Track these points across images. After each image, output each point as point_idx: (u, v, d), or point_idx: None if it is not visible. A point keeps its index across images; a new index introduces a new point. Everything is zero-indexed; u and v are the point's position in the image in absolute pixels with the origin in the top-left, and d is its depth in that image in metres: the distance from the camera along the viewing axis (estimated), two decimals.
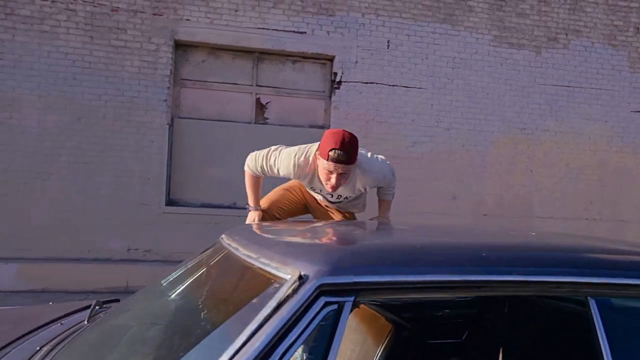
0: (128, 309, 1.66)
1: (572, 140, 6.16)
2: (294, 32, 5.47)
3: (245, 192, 2.42)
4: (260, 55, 5.56)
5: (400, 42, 5.72)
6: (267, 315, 0.94)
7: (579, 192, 6.16)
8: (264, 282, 1.05)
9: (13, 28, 4.88)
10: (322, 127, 5.72)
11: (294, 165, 2.20)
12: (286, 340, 0.92)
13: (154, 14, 5.17)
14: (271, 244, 1.30)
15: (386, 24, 5.69)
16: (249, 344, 0.91)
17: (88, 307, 1.77)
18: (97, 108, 5.06)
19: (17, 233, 4.81)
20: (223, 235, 1.61)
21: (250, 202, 2.38)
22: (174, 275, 1.68)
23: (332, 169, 2.05)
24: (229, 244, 1.43)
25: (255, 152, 2.31)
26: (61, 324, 1.68)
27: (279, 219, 2.50)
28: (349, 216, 2.66)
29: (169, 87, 5.21)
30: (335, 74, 5.59)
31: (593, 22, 6.22)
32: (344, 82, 5.60)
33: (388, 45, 5.70)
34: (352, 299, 0.97)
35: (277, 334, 0.91)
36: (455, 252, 1.19)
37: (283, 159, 2.22)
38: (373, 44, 5.66)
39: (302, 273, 0.97)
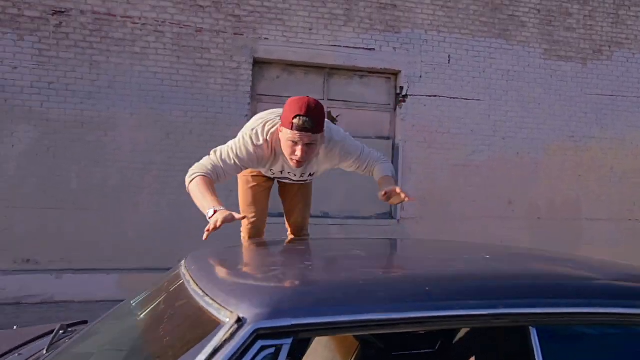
0: (91, 334, 1.59)
1: (615, 146, 6.57)
2: (363, 48, 5.79)
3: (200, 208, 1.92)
4: (330, 71, 5.87)
5: (460, 57, 6.07)
6: None
7: (623, 195, 6.58)
8: (206, 323, 1.05)
9: (107, 50, 5.12)
10: (388, 138, 6.06)
11: (255, 151, 1.92)
12: None
13: (235, 34, 5.45)
14: (219, 281, 1.26)
15: (447, 40, 6.03)
16: None
17: (52, 331, 1.66)
18: (184, 124, 5.33)
19: (115, 245, 5.07)
20: (183, 261, 1.55)
21: (209, 204, 1.80)
22: (142, 296, 1.63)
23: (297, 138, 1.79)
24: (184, 274, 1.39)
25: (195, 164, 1.97)
26: (19, 354, 1.55)
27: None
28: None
29: (249, 103, 5.50)
30: (402, 87, 5.92)
31: (634, 35, 6.63)
32: (410, 95, 5.93)
33: (449, 60, 6.04)
34: (290, 340, 0.98)
35: None
36: (397, 288, 1.16)
37: (240, 154, 1.92)
38: (435, 59, 6.00)
39: (241, 316, 0.97)
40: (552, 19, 6.37)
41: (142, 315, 1.49)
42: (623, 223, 6.54)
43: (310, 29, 5.64)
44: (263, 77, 5.72)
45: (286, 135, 1.83)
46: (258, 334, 0.96)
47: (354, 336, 1.82)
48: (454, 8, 6.05)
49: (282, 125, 1.85)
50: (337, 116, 5.93)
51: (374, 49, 5.82)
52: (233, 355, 0.93)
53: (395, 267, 1.54)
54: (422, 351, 2.04)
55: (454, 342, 2.00)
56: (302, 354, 1.91)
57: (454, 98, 6.06)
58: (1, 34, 4.89)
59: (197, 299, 1.16)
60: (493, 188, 6.18)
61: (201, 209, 1.83)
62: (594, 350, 1.25)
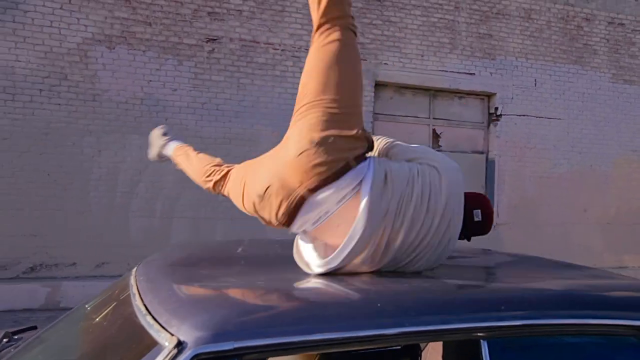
0: (41, 341, 1.51)
1: None
2: (465, 73, 6.48)
3: None
4: (435, 93, 6.53)
5: (544, 81, 6.83)
6: None
7: None
8: (147, 345, 0.98)
9: (252, 74, 5.65)
10: (482, 153, 6.76)
11: None
12: None
13: (361, 59, 6.04)
14: (163, 297, 1.15)
15: (533, 65, 6.78)
16: None
17: None
18: None
19: None
20: (135, 269, 1.49)
21: None
22: (97, 300, 1.56)
23: None
24: (132, 285, 1.32)
25: None
26: None
27: None
28: None
29: (371, 122, 6.10)
30: (497, 108, 6.64)
31: None
32: (503, 115, 6.65)
33: (535, 84, 6.79)
34: None
35: None
36: (348, 306, 1.11)
37: None
38: (524, 83, 6.74)
39: (181, 339, 0.92)
40: (619, 47, 7.22)
41: (90, 323, 1.40)
42: None
43: (422, 56, 6.29)
44: (379, 97, 6.33)
45: None
46: (199, 359, 0.90)
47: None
48: (539, 37, 6.82)
49: None
50: (440, 133, 6.59)
51: (474, 74, 6.52)
52: None
53: (347, 283, 1.37)
54: (386, 349, 1.98)
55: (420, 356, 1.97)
56: None
57: (539, 117, 6.81)
58: (164, 59, 5.36)
59: (140, 317, 1.09)
60: (571, 197, 6.95)
61: None
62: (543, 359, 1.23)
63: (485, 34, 6.58)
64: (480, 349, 1.10)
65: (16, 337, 1.62)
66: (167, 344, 0.93)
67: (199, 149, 5.42)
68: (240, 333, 0.94)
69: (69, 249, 5.00)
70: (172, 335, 0.93)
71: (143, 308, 1.11)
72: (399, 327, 1.04)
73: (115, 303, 1.39)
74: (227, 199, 5.67)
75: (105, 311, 1.40)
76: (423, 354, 2.00)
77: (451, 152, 6.62)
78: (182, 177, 5.43)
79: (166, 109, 5.39)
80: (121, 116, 5.26)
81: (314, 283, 1.34)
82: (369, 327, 1.03)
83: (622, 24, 7.24)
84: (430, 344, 1.82)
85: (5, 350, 1.52)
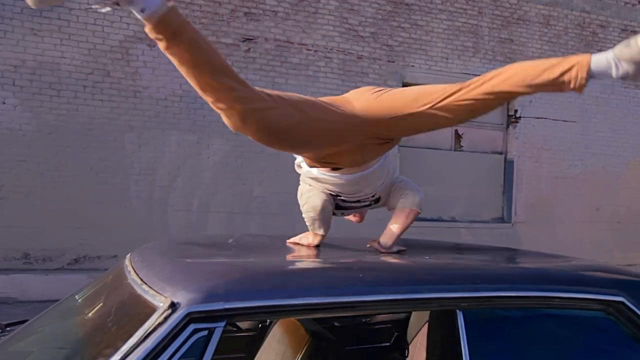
0: (31, 331, 1.57)
1: None
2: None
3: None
4: None
5: None
6: (134, 344, 0.95)
7: None
8: (143, 310, 1.05)
9: (286, 73, 5.81)
10: (501, 153, 6.99)
11: None
12: None
13: (389, 61, 6.24)
14: (157, 269, 1.24)
15: None
16: None
17: None
18: None
19: None
20: (129, 255, 1.56)
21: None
22: (87, 290, 1.62)
23: None
24: (127, 265, 1.39)
25: None
26: None
27: None
28: None
29: None
30: (516, 110, 6.87)
31: None
32: (522, 117, 6.89)
33: None
34: (223, 324, 1.00)
35: None
36: (330, 274, 1.18)
37: None
38: None
39: (174, 301, 0.98)
40: None
41: (84, 309, 1.47)
42: None
43: (447, 59, 6.51)
44: None
45: None
46: (191, 318, 0.97)
47: (305, 330, 1.83)
48: (556, 43, 7.07)
49: None
50: (462, 134, 6.81)
51: None
52: (165, 338, 0.94)
53: (331, 256, 1.51)
54: (375, 345, 2.04)
55: (408, 336, 2.05)
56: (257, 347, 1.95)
57: (556, 120, 7.06)
58: None
59: (135, 287, 1.17)
60: (584, 197, 7.21)
61: None
62: (516, 330, 1.32)
63: (507, 39, 6.81)
64: (457, 318, 1.17)
65: (8, 329, 1.67)
66: (161, 304, 1.00)
67: (236, 145, 5.58)
68: (229, 295, 1.01)
69: (110, 241, 5.12)
70: (166, 297, 1.00)
71: (138, 280, 1.19)
72: (379, 294, 1.10)
73: (108, 287, 1.47)
74: (261, 196, 5.84)
75: (100, 293, 1.48)
76: (410, 349, 2.08)
77: (472, 152, 6.85)
78: (219, 173, 5.60)
79: (203, 107, 5.52)
80: (161, 113, 5.40)
81: (298, 258, 1.49)
82: (348, 293, 1.09)
83: (635, 31, 7.51)
84: (417, 339, 1.93)
85: None
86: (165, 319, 0.97)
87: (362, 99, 1.58)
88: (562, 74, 1.39)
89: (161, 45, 1.29)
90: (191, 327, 0.97)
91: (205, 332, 0.98)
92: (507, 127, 7.00)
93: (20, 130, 4.95)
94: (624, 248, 7.42)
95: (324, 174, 1.68)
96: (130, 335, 0.98)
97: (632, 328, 1.35)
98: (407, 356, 2.01)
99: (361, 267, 1.27)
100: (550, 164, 7.01)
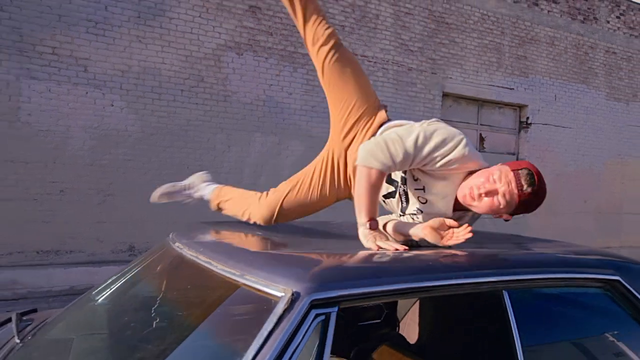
0: (71, 321, 1.63)
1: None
2: (507, 88, 7.78)
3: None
4: (482, 103, 7.78)
5: (561, 96, 8.35)
6: (269, 331, 1.05)
7: None
8: (259, 302, 1.13)
9: None
10: (513, 154, 8.15)
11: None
12: (288, 351, 1.04)
13: (432, 73, 7.11)
14: (259, 261, 1.31)
15: (554, 83, 8.26)
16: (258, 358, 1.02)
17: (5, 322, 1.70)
18: None
19: None
20: (177, 244, 1.59)
21: (368, 215, 1.52)
22: (115, 282, 1.68)
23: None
24: (195, 257, 1.43)
25: (375, 140, 1.55)
26: None
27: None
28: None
29: None
30: (528, 117, 8.03)
31: None
32: (533, 123, 8.07)
33: (555, 98, 8.28)
34: (336, 309, 1.12)
35: (280, 347, 1.03)
36: (410, 264, 1.35)
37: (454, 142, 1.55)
38: (547, 97, 8.20)
39: (296, 290, 1.09)
40: (612, 71, 8.94)
41: (142, 300, 1.53)
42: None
43: (477, 72, 7.49)
44: (442, 105, 7.45)
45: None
46: (312, 304, 1.09)
47: None
48: (558, 60, 8.30)
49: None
50: (485, 137, 7.86)
51: (513, 89, 7.84)
52: (292, 324, 1.05)
53: (408, 250, 1.60)
54: (371, 322, 2.21)
55: (397, 313, 2.24)
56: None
57: (556, 126, 8.33)
58: (282, 66, 6.04)
59: (235, 277, 1.22)
60: (577, 191, 8.58)
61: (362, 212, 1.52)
62: (543, 305, 1.56)
63: (522, 56, 7.93)
64: (503, 297, 1.39)
65: (24, 317, 1.76)
66: (283, 294, 1.08)
67: (310, 146, 6.25)
68: (340, 284, 1.14)
69: None
70: (287, 288, 1.09)
71: (236, 271, 1.23)
72: (449, 279, 1.29)
73: (171, 277, 1.57)
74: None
75: (161, 283, 1.57)
76: (401, 325, 2.25)
77: (491, 153, 7.93)
78: (295, 171, 6.19)
79: (283, 111, 6.09)
80: (247, 116, 5.89)
81: (373, 251, 1.60)
82: (426, 279, 1.27)
83: (615, 53, 8.96)
84: (409, 315, 2.15)
85: (27, 328, 1.64)
86: (290, 307, 1.07)
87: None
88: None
89: None
90: (313, 312, 1.09)
91: (323, 317, 1.10)
92: (519, 131, 8.16)
93: (127, 131, 5.26)
94: (604, 234, 8.91)
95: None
96: (255, 326, 1.08)
97: (626, 302, 1.61)
98: (398, 331, 2.26)
99: (430, 258, 1.45)
100: (552, 163, 8.27)
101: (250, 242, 1.69)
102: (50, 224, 4.95)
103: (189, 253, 1.47)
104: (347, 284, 1.15)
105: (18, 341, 1.51)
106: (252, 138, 5.93)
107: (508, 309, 1.38)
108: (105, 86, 5.14)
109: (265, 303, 1.11)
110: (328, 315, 1.10)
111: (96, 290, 1.75)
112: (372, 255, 1.40)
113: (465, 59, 7.39)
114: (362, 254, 1.43)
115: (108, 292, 1.70)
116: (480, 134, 7.82)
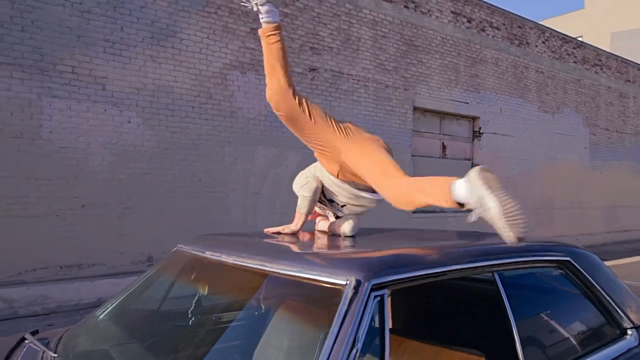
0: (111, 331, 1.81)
1: (568, 164, 11.05)
2: (463, 102, 8.90)
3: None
4: (443, 115, 8.82)
5: (505, 109, 9.67)
6: (345, 312, 1.25)
7: (576, 193, 11.09)
8: (324, 290, 1.34)
9: (339, 98, 7.15)
10: (469, 160, 9.29)
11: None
12: (361, 327, 1.25)
13: (405, 89, 7.99)
14: (315, 259, 1.58)
15: (500, 98, 9.56)
16: (337, 341, 1.21)
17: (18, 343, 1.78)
18: None
19: None
20: (208, 252, 1.78)
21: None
22: (128, 294, 1.92)
23: None
24: (236, 260, 1.62)
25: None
26: None
27: None
28: None
29: (410, 137, 8.09)
30: (480, 127, 9.22)
31: (577, 100, 11.22)
32: (484, 133, 9.27)
33: (500, 111, 9.58)
34: (386, 291, 1.35)
35: (356, 325, 1.24)
36: (438, 252, 1.68)
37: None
38: (494, 110, 9.47)
39: (358, 278, 1.30)
40: (541, 88, 10.48)
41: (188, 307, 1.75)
42: (574, 210, 11.06)
43: (440, 88, 8.51)
44: (412, 119, 8.37)
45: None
46: (372, 288, 1.31)
47: None
48: (502, 78, 9.62)
49: None
50: (446, 145, 8.91)
51: (468, 103, 8.99)
52: (362, 304, 1.28)
53: (431, 242, 2.08)
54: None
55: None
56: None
57: (502, 135, 9.63)
58: None
59: (292, 273, 1.43)
60: (520, 191, 9.94)
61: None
62: (522, 282, 2.00)
63: (474, 74, 9.11)
64: (495, 278, 1.75)
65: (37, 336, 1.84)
66: (347, 282, 1.30)
67: (304, 157, 6.77)
68: (390, 270, 1.39)
69: None
70: (350, 277, 1.31)
71: (292, 268, 1.44)
72: (463, 264, 1.64)
73: (198, 282, 1.85)
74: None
75: (196, 287, 1.86)
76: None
77: (452, 159, 9.00)
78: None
79: (282, 126, 6.57)
80: (251, 130, 6.32)
81: (413, 239, 2.15)
82: (451, 264, 1.60)
83: (542, 72, 10.53)
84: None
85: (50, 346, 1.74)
86: (356, 292, 1.28)
87: (360, 145, 1.98)
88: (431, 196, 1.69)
89: (266, 35, 2.01)
90: (372, 295, 1.30)
91: (379, 298, 1.32)
92: (473, 140, 9.33)
93: (143, 146, 5.47)
94: (540, 226, 10.38)
95: (355, 189, 2.05)
96: (329, 310, 1.28)
97: (574, 277, 2.00)
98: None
99: (453, 246, 1.88)
100: (501, 167, 9.54)
101: (295, 245, 1.97)
102: (73, 239, 5.04)
103: (234, 260, 1.65)
104: (394, 271, 1.41)
105: (54, 355, 1.62)
106: (255, 150, 6.37)
107: (499, 285, 1.75)
108: (123, 103, 5.34)
109: (334, 291, 1.32)
110: (382, 297, 1.34)
111: (106, 309, 1.93)
112: (410, 249, 1.77)
113: (430, 77, 8.38)
114: (402, 249, 1.78)
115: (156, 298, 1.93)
116: (443, 143, 8.86)
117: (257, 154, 6.39)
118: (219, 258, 1.71)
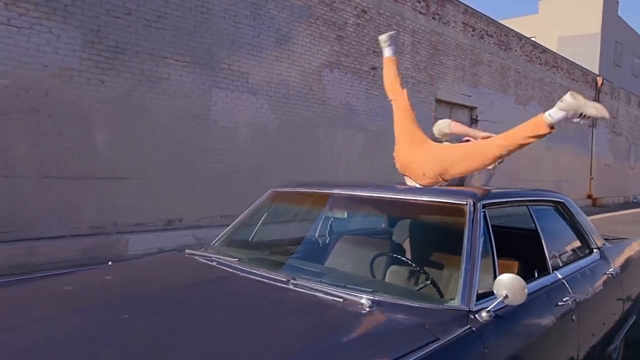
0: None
1: (548, 153, 13.87)
2: (466, 95, 11.21)
3: None
4: (452, 105, 11.08)
5: (494, 102, 12.14)
6: (471, 221, 1.91)
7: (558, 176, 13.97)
8: (453, 210, 2.03)
9: None
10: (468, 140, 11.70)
11: None
12: (480, 229, 1.90)
13: (430, 84, 10.10)
14: (431, 190, 2.38)
15: (491, 92, 12.00)
16: (473, 237, 1.87)
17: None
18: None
19: None
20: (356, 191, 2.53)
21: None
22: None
23: None
24: (381, 194, 2.36)
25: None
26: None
27: None
28: None
29: (432, 122, 10.25)
30: (477, 116, 11.61)
31: (546, 93, 14.00)
32: (480, 120, 11.68)
33: (491, 103, 12.04)
34: (486, 210, 2.01)
35: (482, 227, 1.92)
36: (512, 190, 2.52)
37: None
38: (487, 102, 11.90)
39: (471, 201, 1.99)
40: (517, 84, 13.09)
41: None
42: (533, 183, 13.99)
43: (453, 84, 10.74)
44: (434, 108, 10.53)
45: None
46: (483, 205, 2.01)
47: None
48: (492, 76, 12.05)
49: None
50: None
51: (470, 96, 11.31)
52: (481, 215, 1.96)
53: (507, 188, 2.71)
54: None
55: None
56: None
57: (492, 122, 12.11)
58: (354, 79, 8.38)
59: (424, 198, 2.21)
60: (504, 178, 12.53)
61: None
62: (541, 215, 2.59)
63: (474, 73, 11.43)
64: (529, 210, 2.49)
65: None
66: (467, 203, 2.00)
67: (366, 138, 8.93)
68: (487, 197, 2.12)
69: None
70: (468, 200, 2.01)
71: (427, 197, 2.24)
72: (521, 197, 2.56)
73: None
74: (381, 169, 11.00)
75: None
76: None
77: (456, 141, 11.35)
78: (361, 156, 8.62)
79: (354, 112, 8.46)
80: (336, 115, 8.13)
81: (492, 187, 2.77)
82: (522, 197, 2.57)
83: (519, 72, 13.13)
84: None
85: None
86: (475, 209, 1.97)
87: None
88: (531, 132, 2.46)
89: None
90: (482, 210, 2.00)
91: (484, 212, 2.00)
92: (471, 125, 11.73)
93: (270, 126, 7.12)
94: None
95: None
96: (462, 216, 1.97)
97: (565, 213, 2.83)
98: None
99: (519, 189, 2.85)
100: None
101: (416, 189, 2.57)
102: (228, 196, 6.65)
103: (369, 195, 2.46)
104: (489, 197, 2.14)
105: (234, 258, 2.20)
106: (337, 131, 8.20)
107: (531, 214, 2.50)
108: (258, 93, 6.94)
109: (460, 209, 2.01)
110: (486, 212, 2.02)
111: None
112: (493, 189, 2.34)
113: (447, 75, 10.57)
114: (489, 188, 2.46)
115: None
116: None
117: (338, 135, 8.22)
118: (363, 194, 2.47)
